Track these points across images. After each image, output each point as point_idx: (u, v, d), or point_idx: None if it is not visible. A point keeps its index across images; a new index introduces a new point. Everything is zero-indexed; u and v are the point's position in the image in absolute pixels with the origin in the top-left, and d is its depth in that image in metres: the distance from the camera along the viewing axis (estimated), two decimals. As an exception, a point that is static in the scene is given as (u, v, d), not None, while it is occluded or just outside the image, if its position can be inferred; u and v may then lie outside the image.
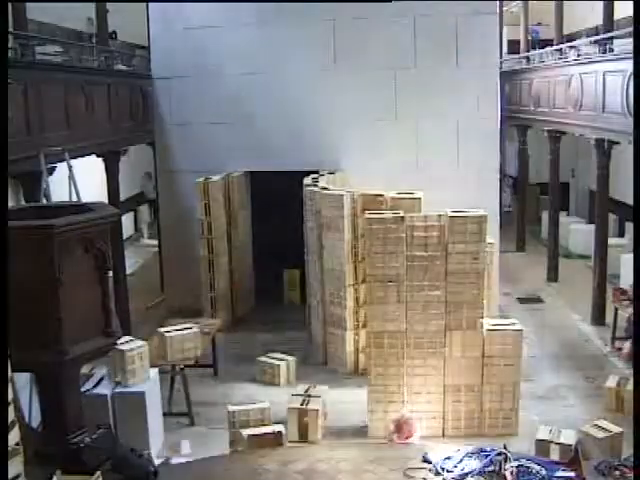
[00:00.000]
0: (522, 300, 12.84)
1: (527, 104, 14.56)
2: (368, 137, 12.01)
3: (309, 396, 7.99)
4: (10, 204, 6.12)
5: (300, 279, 12.11)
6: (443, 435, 7.90)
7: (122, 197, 12.19)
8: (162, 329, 8.76)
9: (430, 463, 6.17)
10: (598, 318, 11.37)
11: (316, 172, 11.39)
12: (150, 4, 12.44)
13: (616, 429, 7.22)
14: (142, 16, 12.88)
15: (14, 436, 4.09)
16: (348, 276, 9.68)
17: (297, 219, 10.95)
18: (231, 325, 11.53)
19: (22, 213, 5.96)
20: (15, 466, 4.14)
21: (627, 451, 6.64)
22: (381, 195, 9.48)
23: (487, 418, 7.96)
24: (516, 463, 5.82)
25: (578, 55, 12.54)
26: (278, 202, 12.05)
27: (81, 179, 9.16)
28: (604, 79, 10.31)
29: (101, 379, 7.69)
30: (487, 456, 5.98)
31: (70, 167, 8.84)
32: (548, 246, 14.27)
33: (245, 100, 12.04)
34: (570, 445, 6.70)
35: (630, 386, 6.65)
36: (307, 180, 10.80)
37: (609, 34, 11.24)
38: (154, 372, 7.95)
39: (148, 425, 7.47)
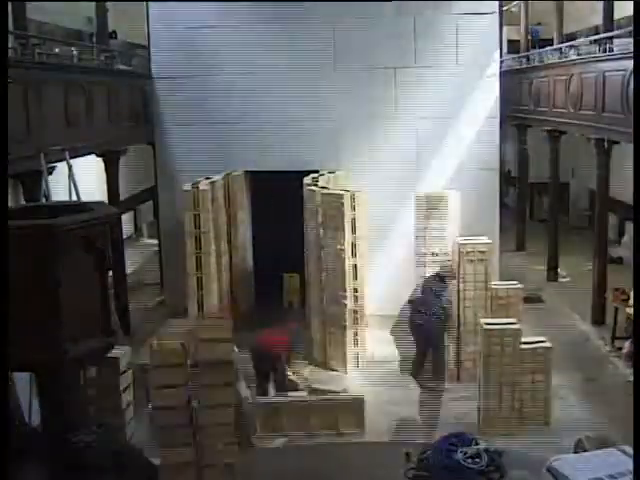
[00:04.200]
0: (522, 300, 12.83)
1: (527, 104, 14.55)
2: (368, 137, 12.01)
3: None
4: (10, 204, 6.11)
5: (300, 281, 12.09)
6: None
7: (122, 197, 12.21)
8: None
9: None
10: (598, 318, 11.37)
11: (316, 172, 11.39)
12: (150, 4, 12.43)
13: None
14: (142, 16, 12.87)
15: None
16: (348, 276, 9.68)
17: (297, 219, 10.95)
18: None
19: (22, 213, 5.96)
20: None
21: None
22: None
23: (487, 418, 7.97)
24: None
25: (578, 55, 12.53)
26: (278, 202, 12.05)
27: (81, 179, 9.15)
28: (604, 79, 10.31)
29: None
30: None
31: (70, 167, 8.83)
32: (548, 246, 14.27)
33: (245, 100, 12.03)
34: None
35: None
36: (307, 180, 10.80)
37: (609, 34, 11.24)
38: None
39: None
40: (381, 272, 11.98)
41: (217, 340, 6.24)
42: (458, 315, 9.49)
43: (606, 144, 10.88)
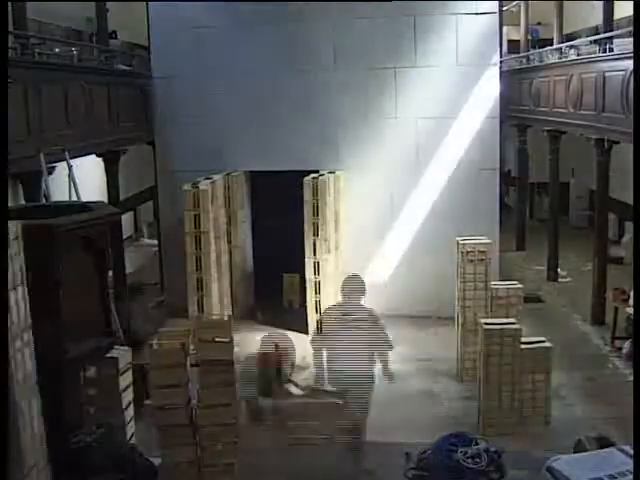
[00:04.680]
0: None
1: (527, 104, 14.55)
2: (368, 137, 12.01)
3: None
4: (10, 204, 6.11)
5: (300, 281, 12.07)
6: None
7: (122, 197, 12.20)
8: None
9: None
10: (598, 318, 11.37)
11: (316, 172, 11.40)
12: (150, 4, 12.44)
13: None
14: (142, 16, 12.88)
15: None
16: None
17: (297, 219, 10.96)
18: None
19: (22, 213, 5.95)
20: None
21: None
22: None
23: (486, 418, 7.97)
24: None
25: (578, 55, 12.54)
26: (278, 202, 12.05)
27: (81, 179, 9.15)
28: (604, 79, 10.31)
29: None
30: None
31: (70, 167, 8.83)
32: (548, 246, 14.27)
33: (245, 100, 12.04)
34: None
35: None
36: (307, 179, 10.82)
37: (609, 34, 11.24)
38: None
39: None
40: (381, 272, 11.99)
41: (217, 340, 6.23)
42: (458, 315, 9.51)
43: (606, 144, 10.89)
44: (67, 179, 8.92)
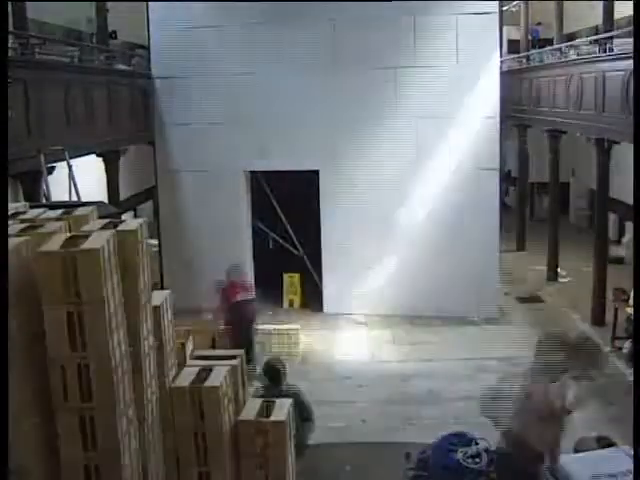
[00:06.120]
0: (522, 300, 12.83)
1: (527, 104, 14.56)
2: (368, 137, 12.01)
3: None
4: (10, 204, 6.10)
5: (300, 281, 12.06)
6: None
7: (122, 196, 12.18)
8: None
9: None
10: (598, 318, 11.37)
11: (316, 172, 11.40)
12: (150, 4, 12.43)
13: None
14: (142, 16, 12.87)
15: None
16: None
17: (297, 219, 10.96)
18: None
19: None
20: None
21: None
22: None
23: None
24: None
25: (578, 55, 12.54)
26: (278, 202, 12.06)
27: (81, 179, 9.14)
28: (604, 79, 10.31)
29: None
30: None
31: (70, 167, 8.82)
32: (548, 246, 14.28)
33: (245, 100, 12.03)
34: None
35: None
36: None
37: (609, 34, 11.24)
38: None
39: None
40: (381, 272, 12.00)
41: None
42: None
43: (606, 144, 10.89)
44: (67, 179, 8.90)
